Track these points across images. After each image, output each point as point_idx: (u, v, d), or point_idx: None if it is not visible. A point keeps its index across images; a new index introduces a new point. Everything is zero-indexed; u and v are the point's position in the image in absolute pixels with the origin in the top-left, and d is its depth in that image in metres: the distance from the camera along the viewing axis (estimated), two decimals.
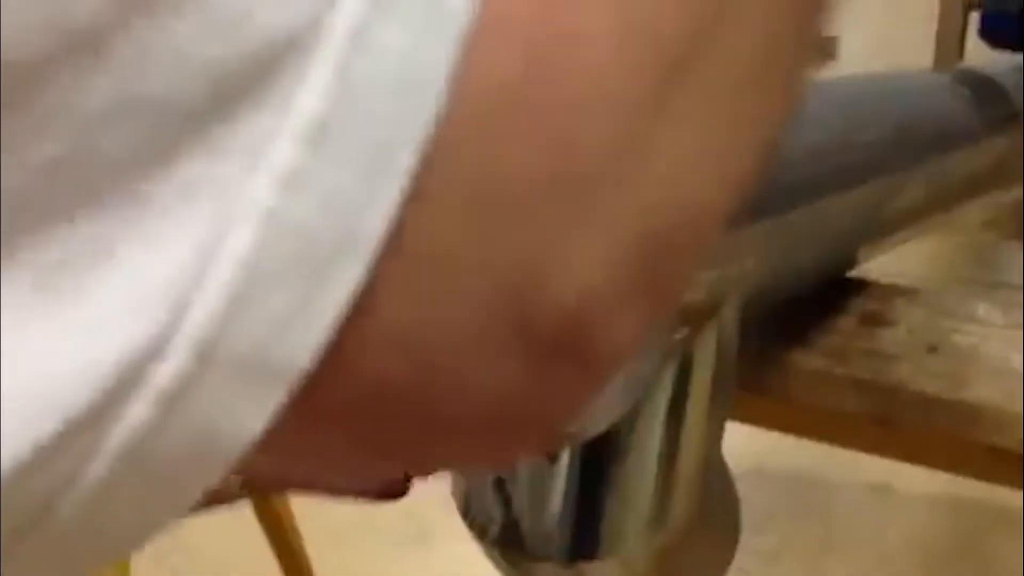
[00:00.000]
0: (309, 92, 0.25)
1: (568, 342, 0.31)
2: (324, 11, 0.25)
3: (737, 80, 0.35)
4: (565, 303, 0.30)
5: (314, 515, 2.03)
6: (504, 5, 0.28)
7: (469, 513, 0.80)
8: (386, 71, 0.26)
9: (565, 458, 0.75)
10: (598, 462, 0.74)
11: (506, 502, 0.78)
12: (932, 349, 0.94)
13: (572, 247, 0.30)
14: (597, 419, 0.70)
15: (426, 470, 0.38)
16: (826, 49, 1.54)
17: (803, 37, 0.39)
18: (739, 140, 0.36)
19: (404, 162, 0.26)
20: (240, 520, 1.92)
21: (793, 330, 0.96)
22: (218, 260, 0.25)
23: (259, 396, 0.26)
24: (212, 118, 0.24)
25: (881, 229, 1.03)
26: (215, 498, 0.37)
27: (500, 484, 0.78)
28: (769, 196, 0.79)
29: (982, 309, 0.99)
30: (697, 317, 0.72)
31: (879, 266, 1.06)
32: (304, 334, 0.26)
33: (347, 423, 0.30)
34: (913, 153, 1.05)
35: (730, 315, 0.75)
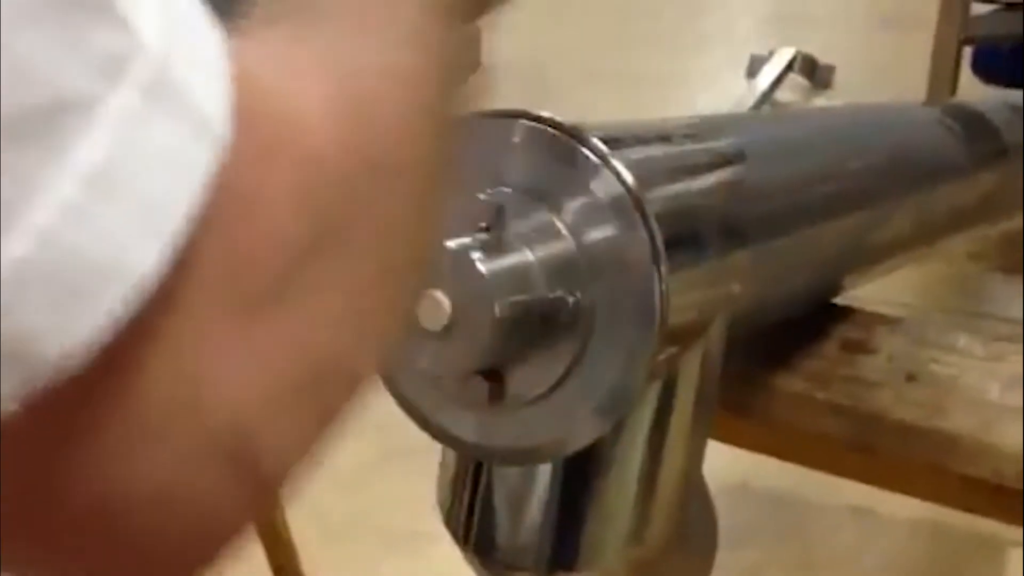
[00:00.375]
0: (92, 145, 0.30)
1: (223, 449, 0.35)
2: (106, 91, 0.31)
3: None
4: (220, 416, 0.35)
5: (305, 515, 2.04)
6: None
7: (451, 520, 0.82)
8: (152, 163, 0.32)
9: (548, 471, 0.76)
10: (580, 475, 0.76)
11: (488, 512, 0.79)
12: (911, 378, 0.96)
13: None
14: (580, 434, 0.71)
15: None
16: (822, 78, 1.58)
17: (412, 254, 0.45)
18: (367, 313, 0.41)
19: (173, 225, 0.32)
20: None
21: (776, 353, 0.98)
22: None
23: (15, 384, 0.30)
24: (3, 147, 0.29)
25: (867, 258, 1.05)
26: None
27: (483, 494, 0.79)
28: (758, 222, 0.81)
29: (962, 340, 1.00)
30: (684, 338, 0.73)
31: (866, 293, 1.08)
32: (63, 340, 0.30)
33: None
34: (901, 184, 1.07)
35: (716, 337, 0.77)
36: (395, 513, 2.36)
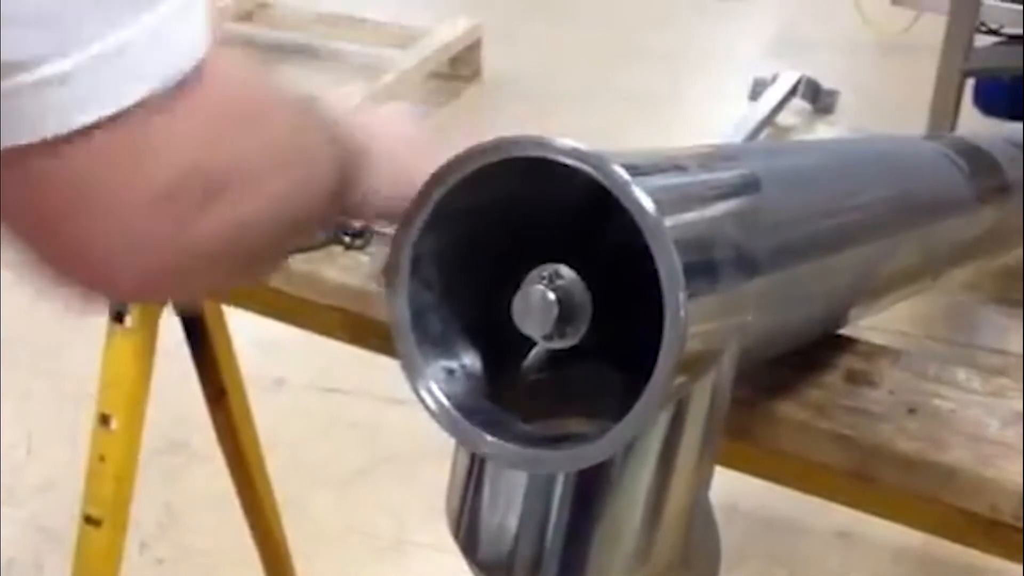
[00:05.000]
0: (156, 18, 0.60)
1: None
2: None
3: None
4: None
5: (298, 519, 2.05)
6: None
7: (459, 532, 0.82)
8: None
9: (558, 488, 0.77)
10: (589, 495, 0.77)
11: (497, 526, 0.80)
12: (912, 411, 0.98)
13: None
14: (592, 455, 0.71)
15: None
16: (825, 103, 1.59)
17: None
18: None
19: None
20: (226, 514, 1.94)
21: (780, 381, 0.99)
22: None
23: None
24: None
25: (874, 290, 1.06)
26: None
27: (492, 507, 0.80)
28: (770, 252, 0.81)
29: (963, 375, 1.02)
30: (697, 366, 0.74)
31: (862, 320, 1.09)
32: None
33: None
34: (909, 218, 1.08)
35: (727, 366, 0.78)
36: (382, 521, 2.38)
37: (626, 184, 0.68)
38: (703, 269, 0.71)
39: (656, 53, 4.50)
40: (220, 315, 1.62)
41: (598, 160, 0.69)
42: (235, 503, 1.88)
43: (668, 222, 0.67)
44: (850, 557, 2.35)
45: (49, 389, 2.80)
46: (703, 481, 0.82)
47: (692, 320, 0.67)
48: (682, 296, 0.66)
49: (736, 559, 2.25)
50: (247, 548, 1.94)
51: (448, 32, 4.20)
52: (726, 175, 0.84)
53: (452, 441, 0.77)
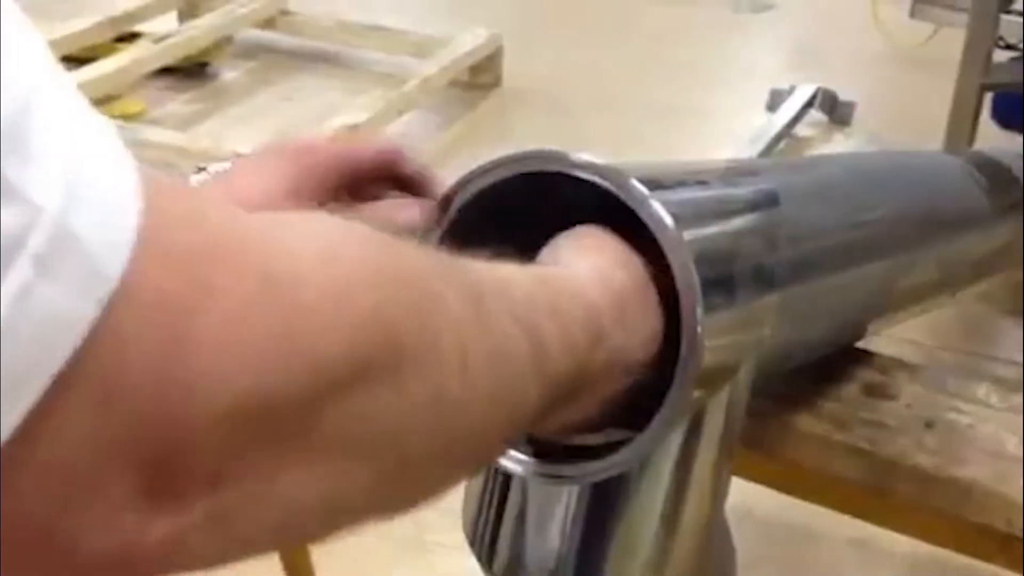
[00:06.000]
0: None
1: None
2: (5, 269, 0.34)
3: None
4: None
5: None
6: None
7: (476, 541, 0.83)
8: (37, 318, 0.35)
9: (574, 499, 0.77)
10: (606, 506, 0.77)
11: (514, 535, 0.80)
12: (929, 425, 0.98)
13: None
14: (609, 468, 0.72)
15: None
16: (842, 115, 1.59)
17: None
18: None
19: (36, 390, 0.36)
20: None
21: (798, 394, 0.99)
22: None
23: None
24: None
25: (892, 304, 1.06)
26: None
27: (508, 518, 0.80)
28: (788, 266, 0.82)
29: (981, 390, 1.02)
30: (714, 380, 0.74)
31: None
32: None
33: None
34: (928, 232, 1.08)
35: (744, 379, 0.78)
36: (404, 521, 2.36)
37: (644, 198, 0.68)
38: (720, 284, 0.71)
39: (675, 64, 4.50)
40: None
41: (616, 174, 0.69)
42: None
43: (686, 236, 0.67)
44: (865, 566, 2.34)
45: None
46: (719, 494, 0.82)
47: (709, 334, 0.67)
48: (699, 311, 0.67)
49: (750, 566, 2.24)
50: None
51: (469, 41, 4.21)
52: (745, 190, 0.84)
53: None
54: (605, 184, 0.69)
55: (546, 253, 0.70)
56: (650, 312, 0.69)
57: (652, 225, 0.68)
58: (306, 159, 0.76)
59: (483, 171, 0.73)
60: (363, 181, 0.79)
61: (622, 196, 0.69)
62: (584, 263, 0.68)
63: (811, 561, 2.38)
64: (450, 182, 0.76)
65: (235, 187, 0.74)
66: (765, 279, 0.78)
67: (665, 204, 0.68)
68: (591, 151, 0.71)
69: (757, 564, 2.27)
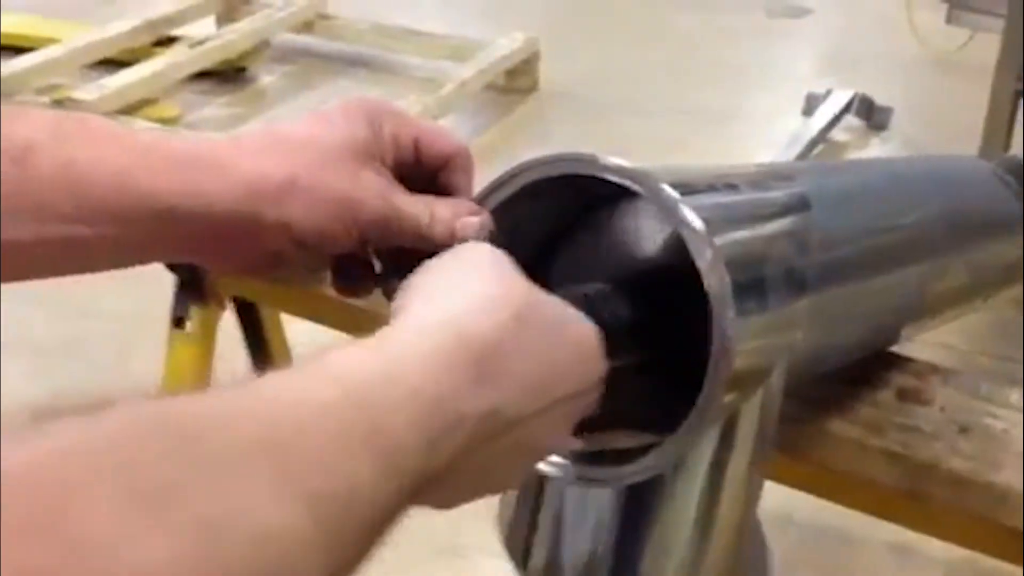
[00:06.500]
0: None
1: None
2: None
3: None
4: None
5: None
6: None
7: (511, 542, 0.83)
8: None
9: (610, 501, 0.78)
10: (641, 509, 0.77)
11: (550, 538, 0.81)
12: (964, 430, 0.97)
13: None
14: (642, 471, 0.72)
15: None
16: (879, 120, 1.59)
17: None
18: None
19: None
20: None
21: (833, 399, 0.99)
22: None
23: None
24: None
25: (925, 309, 1.06)
26: None
27: (544, 520, 0.81)
28: (820, 271, 0.82)
29: (1015, 395, 1.02)
30: (746, 383, 0.74)
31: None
32: None
33: None
34: (960, 237, 1.08)
35: (777, 382, 0.78)
36: (438, 525, 2.36)
37: (675, 203, 0.68)
38: (752, 288, 0.72)
39: (710, 69, 4.50)
40: (277, 321, 1.63)
41: (646, 179, 0.70)
42: None
43: (717, 241, 0.68)
44: (903, 571, 2.34)
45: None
46: (752, 496, 0.82)
47: (740, 338, 0.68)
48: (730, 315, 0.67)
49: (788, 570, 2.25)
50: None
51: (506, 45, 4.22)
52: (776, 194, 0.84)
53: None
54: (635, 188, 0.70)
55: (414, 281, 0.67)
56: (555, 334, 0.65)
57: (682, 229, 0.68)
58: (385, 127, 0.76)
59: (513, 174, 0.74)
60: (426, 170, 0.79)
61: (653, 200, 0.69)
62: (433, 315, 0.62)
63: (849, 565, 2.38)
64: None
65: (297, 132, 0.75)
66: (797, 283, 0.78)
67: (696, 208, 0.68)
68: (622, 155, 0.71)
69: (796, 568, 2.27)
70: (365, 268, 0.79)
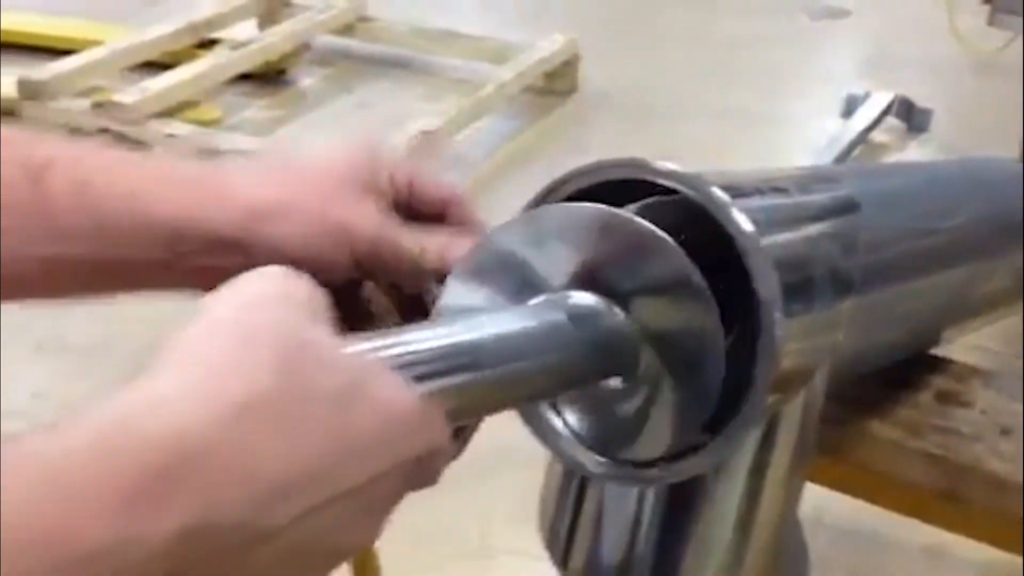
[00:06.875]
0: None
1: None
2: None
3: None
4: None
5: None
6: None
7: (551, 541, 0.84)
8: None
9: (651, 501, 0.78)
10: (681, 508, 0.78)
11: (591, 537, 0.81)
12: (1005, 432, 0.98)
13: None
14: (686, 470, 0.73)
15: None
16: (919, 122, 1.58)
17: None
18: None
19: None
20: None
21: (872, 400, 1.00)
22: None
23: None
24: None
25: (967, 312, 1.07)
26: None
27: (586, 518, 0.82)
28: (865, 272, 0.82)
29: None
30: (790, 384, 0.75)
31: None
32: None
33: None
34: (1002, 240, 1.08)
35: (819, 383, 0.79)
36: (467, 526, 2.39)
37: (726, 205, 0.69)
38: (798, 289, 0.72)
39: (750, 71, 4.50)
40: None
41: (697, 182, 0.70)
42: None
43: (766, 242, 0.68)
44: (936, 574, 2.34)
45: None
46: (793, 497, 0.82)
47: (787, 339, 0.68)
48: (778, 316, 0.67)
49: (820, 572, 2.25)
50: None
51: (545, 47, 4.23)
52: (823, 196, 0.85)
53: (539, 449, 0.78)
54: (685, 191, 0.70)
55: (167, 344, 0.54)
56: (340, 411, 0.53)
57: (733, 231, 0.68)
58: (383, 168, 0.79)
59: (563, 180, 0.75)
60: (421, 214, 0.80)
61: (703, 203, 0.70)
62: (171, 385, 0.50)
63: (884, 568, 2.38)
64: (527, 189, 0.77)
65: (301, 161, 0.77)
66: (843, 284, 0.78)
67: (746, 211, 0.69)
68: (661, 159, 0.72)
69: (828, 570, 2.27)
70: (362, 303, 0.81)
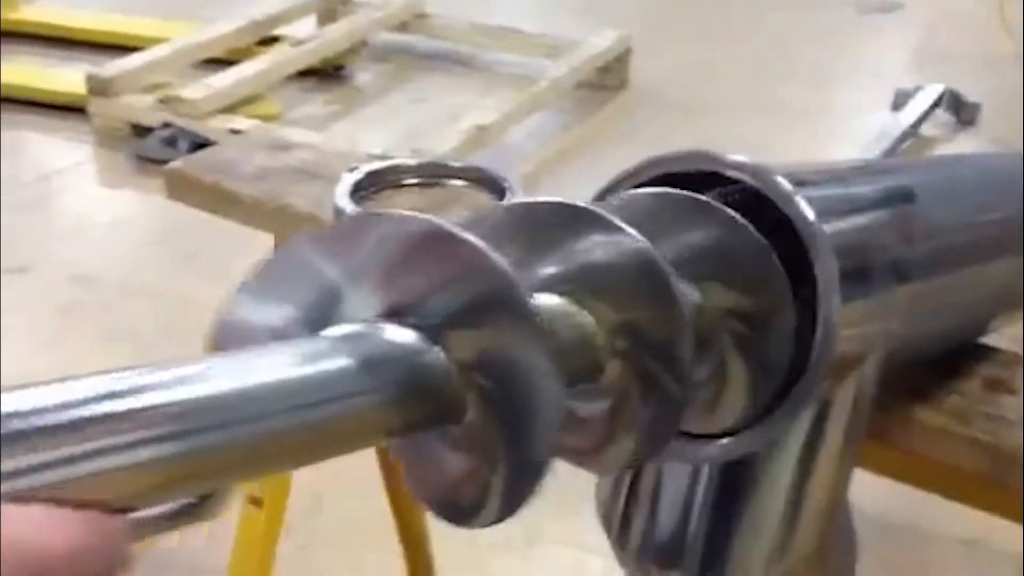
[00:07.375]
0: None
1: None
2: None
3: None
4: None
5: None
6: None
7: (607, 520, 0.86)
8: None
9: (706, 481, 0.80)
10: (733, 489, 0.80)
11: (647, 516, 0.83)
12: None
13: None
14: (738, 449, 0.75)
15: None
16: (968, 116, 1.59)
17: None
18: None
19: None
20: (370, 501, 1.97)
21: (920, 387, 1.02)
22: None
23: None
24: None
25: (1017, 301, 1.08)
26: None
27: (644, 498, 0.84)
28: (920, 261, 0.85)
29: None
30: (843, 370, 0.77)
31: None
32: None
33: None
34: None
35: (871, 370, 0.81)
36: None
37: (789, 194, 0.72)
38: (856, 276, 0.74)
39: (800, 65, 4.50)
40: None
41: (762, 172, 0.73)
42: (379, 490, 1.87)
43: (827, 230, 0.71)
44: (975, 565, 2.34)
45: None
46: (843, 481, 0.84)
47: (843, 324, 0.71)
48: (836, 301, 0.70)
49: (859, 562, 2.25)
50: (386, 536, 1.95)
51: (597, 43, 4.25)
52: (879, 186, 0.87)
53: None
54: (750, 181, 0.73)
55: None
56: None
57: (796, 219, 0.71)
58: None
59: (632, 172, 0.77)
60: None
61: (767, 192, 0.73)
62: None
63: (922, 560, 2.38)
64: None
65: None
66: (898, 273, 0.80)
67: (808, 200, 0.72)
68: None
69: (866, 562, 2.28)
70: None
